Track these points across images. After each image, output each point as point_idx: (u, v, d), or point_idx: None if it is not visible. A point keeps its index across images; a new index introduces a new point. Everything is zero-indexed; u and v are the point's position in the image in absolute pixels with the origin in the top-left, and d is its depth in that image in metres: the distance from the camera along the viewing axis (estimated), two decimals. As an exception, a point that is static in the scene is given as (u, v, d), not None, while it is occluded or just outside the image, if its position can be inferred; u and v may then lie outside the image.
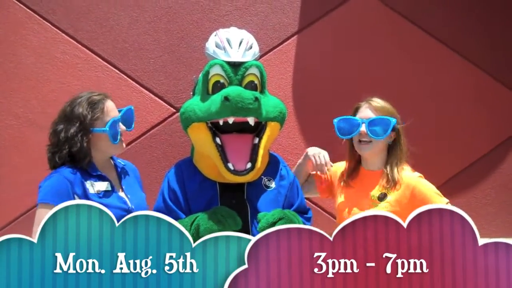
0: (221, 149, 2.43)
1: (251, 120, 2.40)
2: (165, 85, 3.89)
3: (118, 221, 2.15)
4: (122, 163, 2.75)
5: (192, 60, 3.90)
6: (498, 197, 4.03)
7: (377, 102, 2.64)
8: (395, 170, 2.58)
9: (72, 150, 2.45)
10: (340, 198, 2.72)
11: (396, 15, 4.02)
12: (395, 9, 4.01)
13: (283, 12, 3.97)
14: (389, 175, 2.57)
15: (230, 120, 2.37)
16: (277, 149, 3.72)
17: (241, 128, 2.47)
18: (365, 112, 2.63)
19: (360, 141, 2.62)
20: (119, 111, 2.61)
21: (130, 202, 2.54)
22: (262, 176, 2.58)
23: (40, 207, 2.37)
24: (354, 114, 2.68)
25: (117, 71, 3.85)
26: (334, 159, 2.92)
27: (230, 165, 2.40)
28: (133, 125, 2.71)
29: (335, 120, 2.69)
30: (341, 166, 2.84)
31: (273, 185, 2.62)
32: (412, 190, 2.52)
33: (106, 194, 2.49)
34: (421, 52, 4.02)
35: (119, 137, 2.54)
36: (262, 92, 2.55)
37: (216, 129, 2.47)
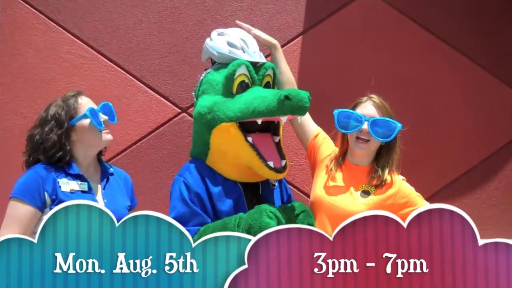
0: (256, 149, 2.46)
1: (284, 119, 2.45)
2: (170, 85, 3.89)
3: None
4: (112, 169, 2.74)
5: (197, 61, 3.89)
6: (503, 198, 4.01)
7: (379, 101, 2.63)
8: (386, 171, 2.58)
9: (45, 146, 2.48)
10: (320, 183, 2.69)
11: (401, 15, 4.00)
12: (400, 10, 3.99)
13: (288, 13, 3.96)
14: (380, 175, 2.57)
15: (284, 118, 2.43)
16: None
17: (261, 127, 2.53)
18: (368, 109, 2.60)
19: (357, 137, 2.59)
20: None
21: (106, 207, 2.45)
22: None
23: (11, 200, 2.47)
24: (353, 109, 2.65)
25: (122, 71, 3.86)
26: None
27: (271, 163, 2.44)
28: (115, 118, 2.68)
29: (336, 112, 2.67)
30: (330, 147, 2.82)
31: (275, 183, 2.71)
32: (396, 192, 2.55)
33: (79, 194, 2.48)
34: (426, 53, 4.00)
35: (103, 123, 2.54)
36: None
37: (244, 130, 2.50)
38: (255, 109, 2.40)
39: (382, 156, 2.62)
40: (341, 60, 3.99)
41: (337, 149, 2.77)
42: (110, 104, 2.69)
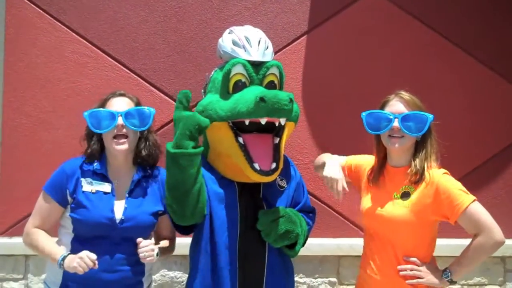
0: (244, 149, 2.42)
1: (283, 121, 2.40)
2: (174, 85, 3.89)
3: (89, 225, 2.36)
4: (156, 171, 2.72)
5: (201, 60, 3.90)
6: (508, 197, 4.01)
7: (408, 96, 2.56)
8: (424, 165, 2.48)
9: (88, 136, 2.61)
10: (366, 197, 2.66)
11: (406, 14, 4.00)
12: (405, 9, 3.99)
13: (293, 12, 3.96)
14: (418, 170, 2.47)
15: (263, 120, 2.35)
16: (286, 148, 3.71)
17: (261, 127, 2.45)
18: (397, 106, 2.53)
19: (390, 136, 2.51)
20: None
21: (124, 213, 2.50)
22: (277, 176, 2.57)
23: (41, 193, 2.57)
24: (382, 108, 2.58)
25: (127, 70, 3.86)
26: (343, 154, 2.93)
27: (256, 165, 2.39)
28: (146, 125, 2.61)
29: (364, 114, 2.59)
30: (369, 161, 2.74)
31: (285, 184, 2.64)
32: (436, 188, 2.42)
33: (101, 195, 2.51)
34: (430, 52, 4.00)
35: (103, 127, 2.51)
36: None
37: (237, 128, 2.46)
38: (239, 110, 2.37)
39: (418, 151, 2.53)
40: (346, 59, 3.99)
41: (374, 158, 2.72)
42: (150, 111, 2.63)
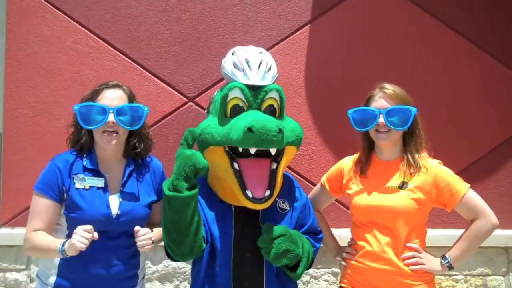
0: (239, 175, 2.36)
1: (273, 151, 2.34)
2: (177, 74, 3.88)
3: (85, 223, 2.27)
4: (147, 160, 2.69)
5: (204, 50, 3.89)
6: (512, 187, 4.01)
7: (391, 89, 2.56)
8: (416, 156, 2.55)
9: (76, 130, 2.56)
10: (356, 188, 2.68)
11: (410, 3, 3.98)
12: (409, -2, 3.98)
13: (296, 1, 3.94)
14: (411, 162, 2.54)
15: (252, 150, 2.30)
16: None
17: (259, 152, 2.36)
18: (380, 102, 2.55)
19: (377, 131, 2.55)
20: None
21: (120, 207, 2.47)
22: (277, 199, 2.52)
23: (33, 194, 2.47)
24: (367, 104, 2.61)
25: (129, 60, 3.85)
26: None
27: (248, 193, 2.33)
28: (137, 124, 2.54)
29: (350, 112, 2.62)
30: (347, 162, 2.80)
31: (287, 207, 2.57)
32: (434, 177, 2.51)
33: (94, 191, 2.46)
34: (434, 40, 3.98)
35: (93, 123, 2.44)
36: (280, 116, 2.49)
37: (233, 153, 2.40)
38: (231, 138, 2.32)
39: (407, 144, 2.59)
40: (348, 48, 3.97)
41: (354, 156, 2.78)
42: (135, 107, 2.55)
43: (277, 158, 2.42)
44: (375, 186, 2.59)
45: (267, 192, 2.35)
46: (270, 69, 2.50)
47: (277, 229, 2.36)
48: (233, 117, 2.40)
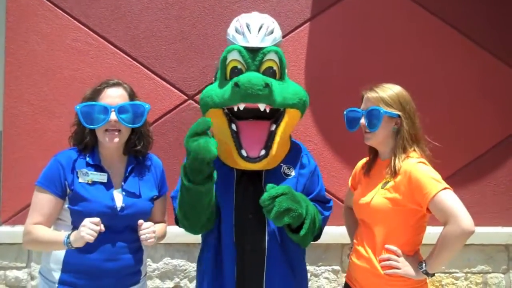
0: (235, 135, 2.40)
1: (261, 107, 2.34)
2: (176, 72, 3.88)
3: (91, 216, 2.29)
4: (148, 157, 2.70)
5: (204, 47, 3.88)
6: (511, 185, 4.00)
7: (373, 91, 2.53)
8: (397, 158, 2.47)
9: (78, 129, 2.55)
10: (358, 189, 2.70)
11: (408, 0, 3.98)
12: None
13: (296, -1, 3.95)
14: (390, 164, 2.48)
15: (241, 106, 2.33)
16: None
17: (259, 115, 2.41)
18: (364, 103, 2.56)
19: (365, 131, 2.57)
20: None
21: (124, 200, 2.48)
22: (282, 164, 2.54)
23: (35, 188, 2.48)
24: (361, 104, 2.61)
25: (128, 58, 3.85)
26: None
27: (243, 152, 2.37)
28: (139, 122, 2.53)
29: (345, 112, 2.65)
30: (360, 162, 2.82)
31: (293, 173, 2.57)
32: (409, 177, 2.38)
33: (98, 186, 2.47)
34: (434, 38, 3.98)
35: (95, 122, 2.44)
36: (281, 78, 2.49)
37: (233, 116, 2.43)
38: (225, 97, 2.37)
39: (395, 143, 2.53)
40: (349, 46, 3.96)
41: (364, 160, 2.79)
42: (137, 104, 2.54)
43: (277, 120, 2.44)
44: (370, 186, 2.59)
45: (262, 152, 2.38)
46: (271, 32, 2.53)
47: (280, 188, 2.34)
48: (232, 79, 2.40)
